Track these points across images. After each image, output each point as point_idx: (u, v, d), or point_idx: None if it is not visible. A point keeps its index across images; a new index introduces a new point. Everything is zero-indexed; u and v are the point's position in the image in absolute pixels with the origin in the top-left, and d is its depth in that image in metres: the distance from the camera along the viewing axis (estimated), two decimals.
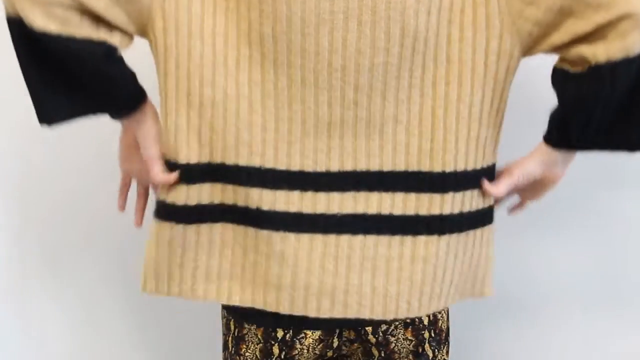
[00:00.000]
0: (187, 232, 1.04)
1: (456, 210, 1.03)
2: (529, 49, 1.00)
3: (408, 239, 1.02)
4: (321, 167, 1.00)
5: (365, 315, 1.03)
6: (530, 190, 1.12)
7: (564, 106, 1.00)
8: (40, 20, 0.91)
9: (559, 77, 1.00)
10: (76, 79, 0.98)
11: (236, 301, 1.05)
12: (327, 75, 0.97)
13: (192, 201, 1.02)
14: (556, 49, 0.99)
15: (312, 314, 1.02)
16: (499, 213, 1.14)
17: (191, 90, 0.99)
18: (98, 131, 1.34)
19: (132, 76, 1.02)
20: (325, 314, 1.02)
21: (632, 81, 0.95)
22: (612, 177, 1.46)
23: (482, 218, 1.08)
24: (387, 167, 1.01)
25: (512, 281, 1.51)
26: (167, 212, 1.04)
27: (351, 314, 1.03)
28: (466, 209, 1.04)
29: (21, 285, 1.55)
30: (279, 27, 0.95)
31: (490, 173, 1.07)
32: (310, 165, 1.00)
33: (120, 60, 1.00)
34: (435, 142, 1.00)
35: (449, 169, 1.01)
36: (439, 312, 1.11)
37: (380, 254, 1.02)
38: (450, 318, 1.16)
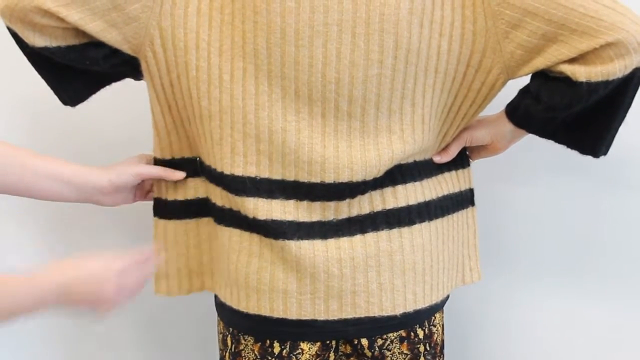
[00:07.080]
0: (200, 228, 1.10)
1: (440, 194, 1.08)
2: (512, 71, 1.01)
3: (405, 230, 1.03)
4: (316, 178, 1.00)
5: (375, 312, 1.02)
6: (472, 150, 1.16)
7: (536, 100, 1.01)
8: (40, 40, 0.97)
9: (539, 77, 1.01)
10: (85, 68, 1.03)
11: (243, 308, 1.03)
12: (320, 87, 0.97)
13: (190, 195, 1.09)
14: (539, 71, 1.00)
15: (320, 317, 1.02)
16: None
17: (193, 102, 1.01)
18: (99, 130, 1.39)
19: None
20: (334, 315, 1.02)
21: (602, 97, 0.97)
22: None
23: (462, 200, 1.14)
24: (381, 173, 1.01)
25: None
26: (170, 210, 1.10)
27: (360, 313, 1.02)
28: (446, 191, 1.10)
29: None
30: (273, 39, 0.95)
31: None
32: (305, 176, 1.00)
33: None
34: (425, 144, 1.04)
35: (430, 155, 1.09)
36: (434, 326, 1.11)
37: (383, 249, 1.02)
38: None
